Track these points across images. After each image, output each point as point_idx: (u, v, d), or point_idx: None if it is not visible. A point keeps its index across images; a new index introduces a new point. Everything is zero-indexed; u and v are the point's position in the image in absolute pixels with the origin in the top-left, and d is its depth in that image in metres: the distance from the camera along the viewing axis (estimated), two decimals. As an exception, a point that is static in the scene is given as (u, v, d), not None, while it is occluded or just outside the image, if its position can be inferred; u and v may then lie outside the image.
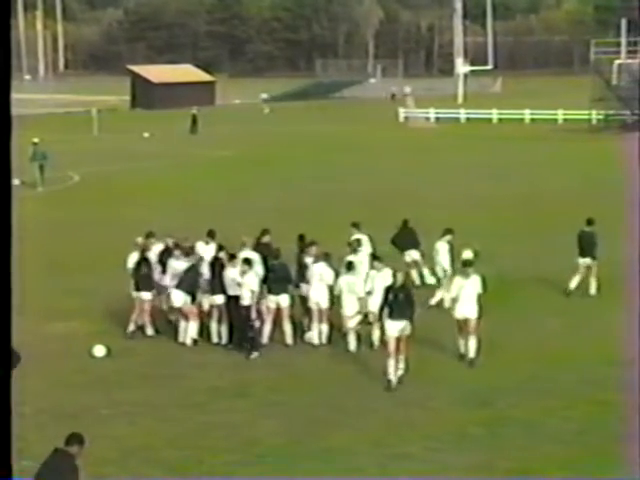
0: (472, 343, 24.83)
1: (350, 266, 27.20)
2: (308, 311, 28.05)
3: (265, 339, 27.25)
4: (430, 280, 33.65)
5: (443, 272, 30.89)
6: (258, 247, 29.39)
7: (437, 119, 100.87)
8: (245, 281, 26.06)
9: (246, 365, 25.61)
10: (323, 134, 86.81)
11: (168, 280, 28.23)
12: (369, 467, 19.40)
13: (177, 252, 28.46)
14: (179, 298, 27.54)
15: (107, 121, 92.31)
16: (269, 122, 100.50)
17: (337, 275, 27.55)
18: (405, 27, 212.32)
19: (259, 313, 26.87)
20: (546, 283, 33.30)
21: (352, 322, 26.82)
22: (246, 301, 26.02)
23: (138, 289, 28.34)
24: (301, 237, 30.44)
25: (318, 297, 27.37)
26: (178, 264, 27.96)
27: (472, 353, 24.85)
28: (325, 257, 27.91)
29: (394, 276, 24.22)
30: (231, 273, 26.86)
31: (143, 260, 28.51)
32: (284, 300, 27.44)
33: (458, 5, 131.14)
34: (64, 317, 29.43)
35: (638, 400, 21.71)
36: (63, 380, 24.57)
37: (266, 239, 30.17)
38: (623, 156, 66.00)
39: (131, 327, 28.25)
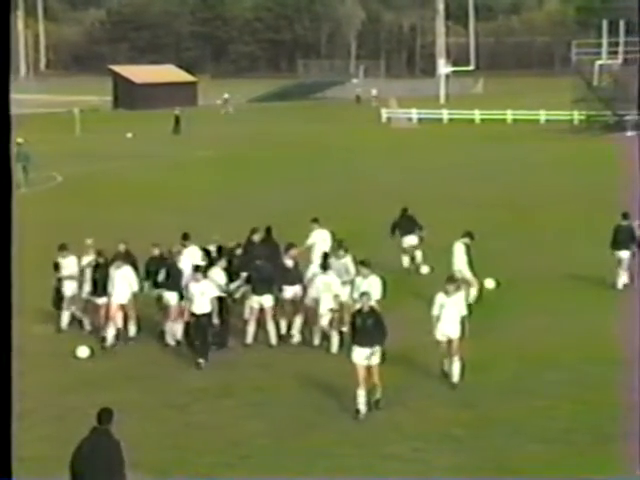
0: (456, 366, 23.28)
1: (325, 266, 27.22)
2: (293, 312, 27.76)
3: (249, 339, 27.11)
4: (424, 270, 34.37)
5: (459, 273, 29.91)
6: (248, 246, 29.61)
7: (419, 120, 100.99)
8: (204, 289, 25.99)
9: (230, 365, 25.52)
10: (305, 134, 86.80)
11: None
12: (354, 467, 19.35)
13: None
14: (172, 298, 27.47)
15: (89, 121, 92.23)
16: (252, 122, 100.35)
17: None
18: (387, 28, 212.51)
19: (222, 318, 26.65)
20: (534, 280, 33.31)
21: (325, 320, 26.66)
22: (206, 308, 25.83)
23: (94, 293, 28.05)
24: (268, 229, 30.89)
25: (326, 306, 26.84)
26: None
27: (456, 377, 23.26)
28: (324, 264, 27.55)
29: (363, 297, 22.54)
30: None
31: (99, 263, 28.08)
32: (267, 300, 27.27)
33: (440, 6, 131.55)
34: (48, 318, 29.34)
35: (625, 399, 21.85)
36: (49, 381, 24.66)
37: (256, 237, 30.14)
38: (605, 156, 66.59)
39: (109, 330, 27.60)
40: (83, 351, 26.50)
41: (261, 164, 66.11)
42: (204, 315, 25.67)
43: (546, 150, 73.42)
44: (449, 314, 23.01)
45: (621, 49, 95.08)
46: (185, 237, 29.93)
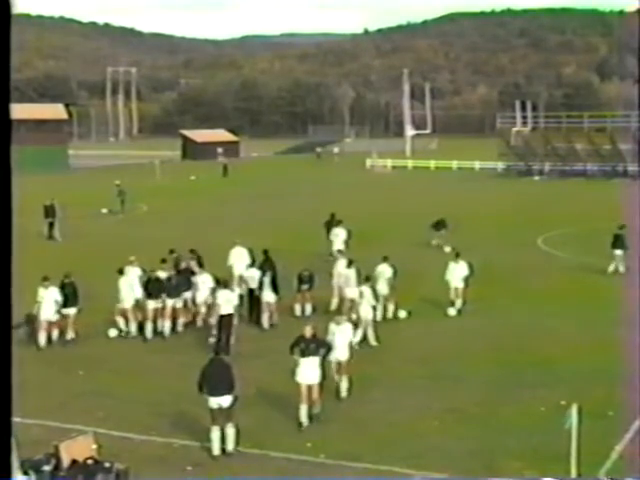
0: (345, 384, 19.50)
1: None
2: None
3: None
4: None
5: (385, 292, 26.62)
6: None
7: (393, 167, 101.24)
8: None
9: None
10: (314, 177, 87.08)
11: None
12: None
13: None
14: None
15: (166, 168, 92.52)
16: (272, 169, 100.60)
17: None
18: (370, 103, 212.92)
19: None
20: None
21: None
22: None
23: (65, 305, 24.12)
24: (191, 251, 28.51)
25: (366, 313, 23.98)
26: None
27: (344, 392, 19.49)
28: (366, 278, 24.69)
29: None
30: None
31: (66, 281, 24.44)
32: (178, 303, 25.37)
33: (406, 88, 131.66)
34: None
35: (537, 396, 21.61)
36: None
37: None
38: (520, 192, 67.01)
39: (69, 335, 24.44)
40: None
41: (272, 196, 66.46)
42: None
43: (478, 188, 73.84)
44: (339, 340, 19.27)
45: (529, 120, 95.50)
46: (171, 251, 28.62)
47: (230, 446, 16.40)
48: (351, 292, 25.65)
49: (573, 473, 14.66)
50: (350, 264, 26.92)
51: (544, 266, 36.12)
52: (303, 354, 17.75)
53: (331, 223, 37.96)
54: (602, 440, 16.19)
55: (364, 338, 23.96)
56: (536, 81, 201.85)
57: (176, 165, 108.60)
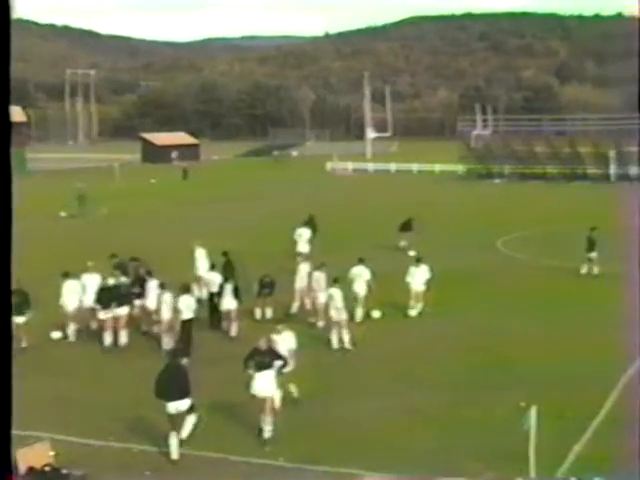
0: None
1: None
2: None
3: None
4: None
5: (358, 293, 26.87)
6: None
7: (354, 170, 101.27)
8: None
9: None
10: (275, 180, 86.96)
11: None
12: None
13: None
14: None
15: (125, 172, 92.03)
16: (233, 172, 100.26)
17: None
18: (330, 106, 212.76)
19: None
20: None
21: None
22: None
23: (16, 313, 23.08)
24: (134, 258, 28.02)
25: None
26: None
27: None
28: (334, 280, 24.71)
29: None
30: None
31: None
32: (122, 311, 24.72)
33: (367, 92, 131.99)
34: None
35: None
36: None
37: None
38: (479, 194, 67.36)
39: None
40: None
41: (232, 199, 66.32)
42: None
43: (439, 190, 74.11)
44: (281, 350, 18.38)
45: (490, 124, 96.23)
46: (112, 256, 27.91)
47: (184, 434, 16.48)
48: (322, 296, 25.72)
49: (532, 473, 14.77)
50: (321, 267, 27.01)
51: (504, 268, 36.34)
52: (258, 368, 17.12)
53: (307, 223, 38.36)
54: (560, 441, 16.32)
55: (340, 341, 24.04)
56: (496, 84, 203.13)
57: (136, 168, 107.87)
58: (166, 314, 23.98)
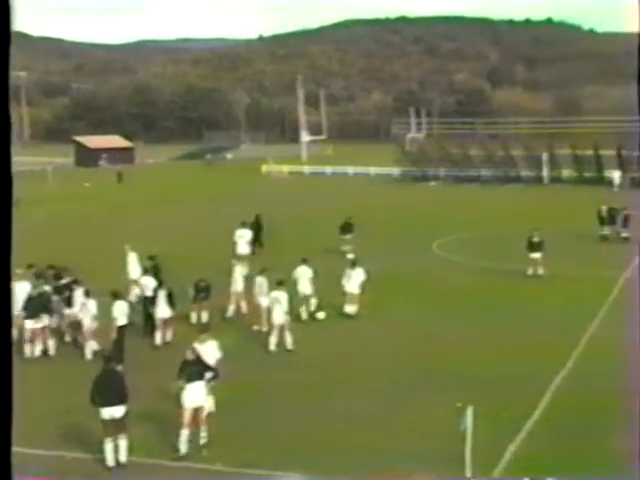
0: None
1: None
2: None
3: None
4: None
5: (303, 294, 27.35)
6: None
7: (289, 173, 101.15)
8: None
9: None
10: (210, 184, 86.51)
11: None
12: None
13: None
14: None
15: (58, 175, 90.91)
16: (167, 175, 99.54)
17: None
18: (265, 109, 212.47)
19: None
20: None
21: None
22: None
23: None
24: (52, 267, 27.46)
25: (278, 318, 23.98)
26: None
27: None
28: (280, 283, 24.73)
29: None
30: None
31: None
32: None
33: (300, 95, 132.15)
34: None
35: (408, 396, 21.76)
36: None
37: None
38: (413, 197, 67.77)
39: None
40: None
41: (167, 202, 65.89)
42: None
43: (374, 192, 74.35)
44: (207, 359, 17.71)
45: (424, 127, 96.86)
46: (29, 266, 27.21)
47: (123, 457, 16.14)
48: (264, 300, 25.53)
49: (468, 473, 14.87)
50: (263, 272, 26.83)
51: (440, 271, 36.56)
52: (189, 379, 16.73)
53: (251, 224, 38.33)
54: (496, 441, 16.47)
55: (279, 343, 24.09)
56: (429, 88, 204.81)
57: (69, 172, 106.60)
58: (87, 321, 23.69)
